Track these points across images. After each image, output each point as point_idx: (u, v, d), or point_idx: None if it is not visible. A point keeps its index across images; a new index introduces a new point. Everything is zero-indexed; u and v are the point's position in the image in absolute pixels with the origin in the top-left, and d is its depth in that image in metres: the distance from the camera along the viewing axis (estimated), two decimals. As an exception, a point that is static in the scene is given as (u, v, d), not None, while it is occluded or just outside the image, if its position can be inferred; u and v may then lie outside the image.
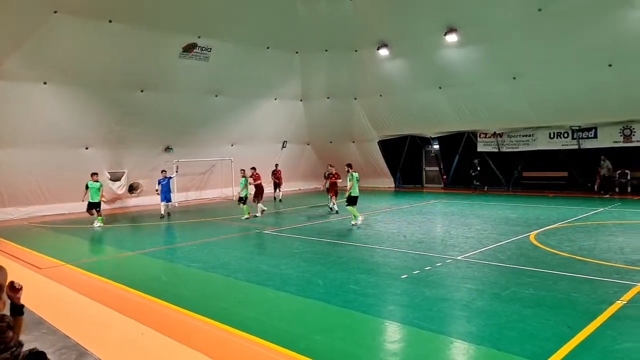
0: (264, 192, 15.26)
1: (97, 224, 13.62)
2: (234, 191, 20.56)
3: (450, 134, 21.57)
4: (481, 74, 17.95)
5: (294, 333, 5.16)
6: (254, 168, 15.19)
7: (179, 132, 19.09)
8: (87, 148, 17.11)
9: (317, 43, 19.56)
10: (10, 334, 2.30)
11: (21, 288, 2.55)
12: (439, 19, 16.72)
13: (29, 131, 15.21)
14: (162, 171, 15.92)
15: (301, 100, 22.65)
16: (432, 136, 22.34)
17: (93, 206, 13.69)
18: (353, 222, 12.39)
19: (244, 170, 14.95)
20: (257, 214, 14.73)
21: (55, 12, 13.34)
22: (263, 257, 9.53)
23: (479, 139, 21.21)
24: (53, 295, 6.96)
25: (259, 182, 14.93)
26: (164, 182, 15.51)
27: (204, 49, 17.25)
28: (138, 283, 7.32)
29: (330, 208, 15.35)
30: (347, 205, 12.78)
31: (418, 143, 23.49)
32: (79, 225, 13.57)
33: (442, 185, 23.03)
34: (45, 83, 15.03)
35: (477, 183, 20.81)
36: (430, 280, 7.01)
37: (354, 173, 12.79)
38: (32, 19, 13.22)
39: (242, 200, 14.52)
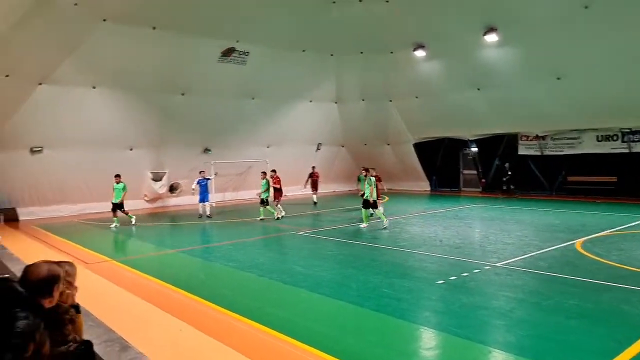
0: (283, 194, 15.80)
1: (133, 221, 14.23)
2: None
3: (489, 136, 20.92)
4: (522, 75, 17.24)
5: (327, 335, 5.17)
6: (274, 171, 15.59)
7: (217, 134, 19.65)
8: (131, 149, 17.93)
9: (352, 45, 19.51)
10: (70, 328, 2.37)
11: (76, 288, 2.66)
12: (478, 18, 16.21)
13: (78, 133, 16.11)
14: (201, 172, 16.43)
15: (336, 103, 22.69)
16: (470, 139, 21.73)
17: (117, 207, 14.05)
18: (363, 225, 12.67)
19: (264, 172, 15.33)
20: (281, 214, 14.99)
21: (104, 20, 14.11)
22: (297, 258, 9.61)
23: (520, 141, 20.41)
24: (99, 289, 7.32)
25: (278, 185, 15.28)
26: (203, 183, 16.00)
27: (242, 53, 17.67)
28: (177, 280, 7.58)
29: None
30: (363, 207, 13.01)
31: (455, 146, 22.90)
32: (123, 223, 14.21)
33: (480, 189, 22.34)
34: (94, 87, 15.91)
35: (505, 187, 20.20)
36: (467, 286, 6.82)
37: (371, 177, 12.87)
38: (83, 27, 14.02)
39: (265, 202, 14.85)
